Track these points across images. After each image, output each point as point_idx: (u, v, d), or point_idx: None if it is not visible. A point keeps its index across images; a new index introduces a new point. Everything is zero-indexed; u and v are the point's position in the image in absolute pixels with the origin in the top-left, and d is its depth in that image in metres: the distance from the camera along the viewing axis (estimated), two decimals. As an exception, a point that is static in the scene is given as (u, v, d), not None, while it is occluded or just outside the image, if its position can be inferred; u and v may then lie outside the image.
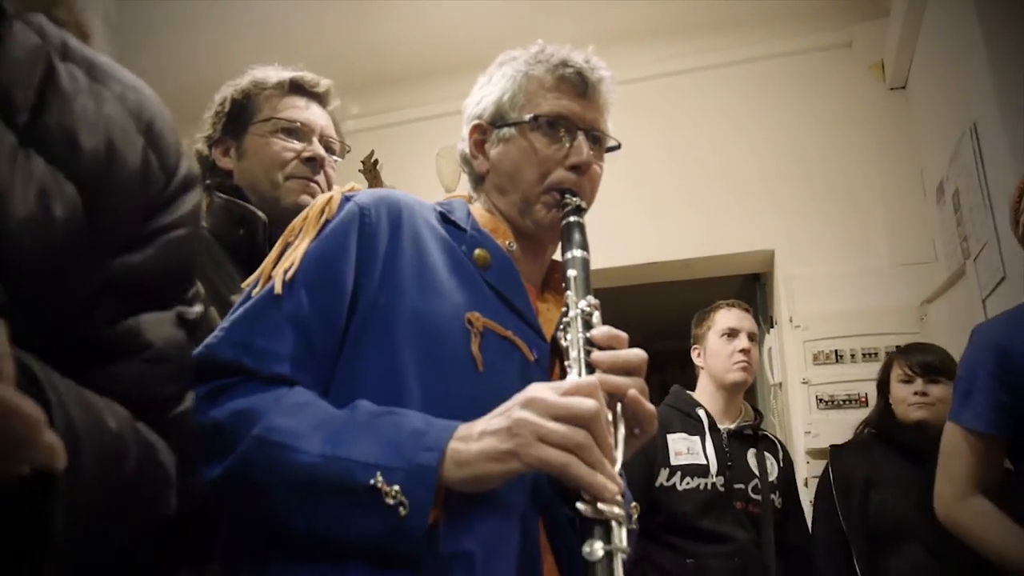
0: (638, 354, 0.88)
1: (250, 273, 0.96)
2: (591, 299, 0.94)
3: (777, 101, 3.83)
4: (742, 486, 2.25)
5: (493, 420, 0.78)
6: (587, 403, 0.76)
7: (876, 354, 3.27)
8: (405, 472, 0.75)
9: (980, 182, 2.61)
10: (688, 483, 2.20)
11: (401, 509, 0.74)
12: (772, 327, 3.85)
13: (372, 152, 3.79)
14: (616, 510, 0.74)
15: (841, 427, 2.98)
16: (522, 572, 0.83)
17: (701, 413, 2.33)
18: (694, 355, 2.51)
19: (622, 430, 0.83)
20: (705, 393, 2.42)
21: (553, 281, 1.10)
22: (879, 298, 3.36)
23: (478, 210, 1.09)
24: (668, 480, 2.21)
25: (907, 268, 3.39)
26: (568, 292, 0.95)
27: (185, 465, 0.74)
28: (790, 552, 2.31)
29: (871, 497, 2.39)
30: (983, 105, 2.57)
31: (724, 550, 2.14)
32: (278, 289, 0.88)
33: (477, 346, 0.90)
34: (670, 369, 6.45)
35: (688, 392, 2.45)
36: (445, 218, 1.03)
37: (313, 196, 1.39)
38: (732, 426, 2.34)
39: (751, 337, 2.43)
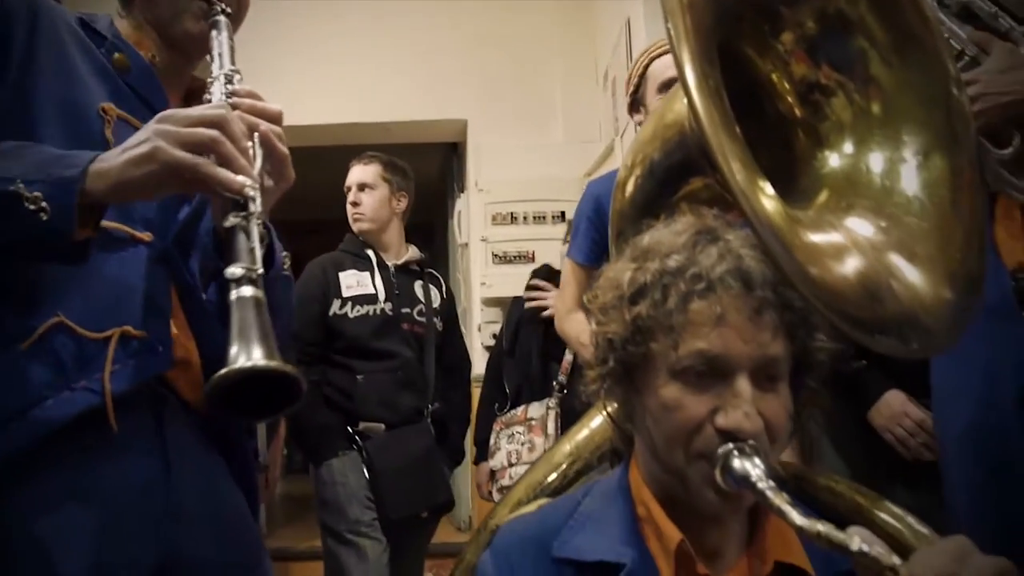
0: (276, 107, 1.01)
1: None
2: (234, 67, 1.06)
3: (479, -19, 4.07)
4: (408, 310, 2.59)
5: (133, 138, 0.87)
6: (216, 109, 0.90)
7: (544, 217, 3.77)
8: (46, 183, 0.81)
9: (628, 69, 3.06)
10: (359, 311, 2.50)
11: (43, 214, 0.81)
12: (463, 192, 4.22)
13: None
14: (248, 191, 0.87)
15: (511, 279, 3.42)
16: (150, 321, 0.97)
17: (369, 252, 2.62)
18: None
19: (259, 159, 0.95)
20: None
21: (196, 99, 1.17)
22: (552, 169, 3.82)
23: (123, 24, 1.16)
24: (340, 309, 2.50)
25: (577, 145, 3.88)
26: (212, 62, 1.07)
27: None
28: (449, 368, 2.75)
29: (521, 331, 2.89)
30: (634, 2, 2.99)
31: (389, 365, 2.49)
32: None
33: (111, 132, 1.00)
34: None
35: (358, 236, 2.69)
36: (85, 25, 1.09)
37: None
38: (399, 262, 2.65)
39: (360, 187, 2.65)
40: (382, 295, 2.53)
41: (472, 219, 3.90)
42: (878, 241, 0.94)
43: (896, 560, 0.57)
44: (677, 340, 0.76)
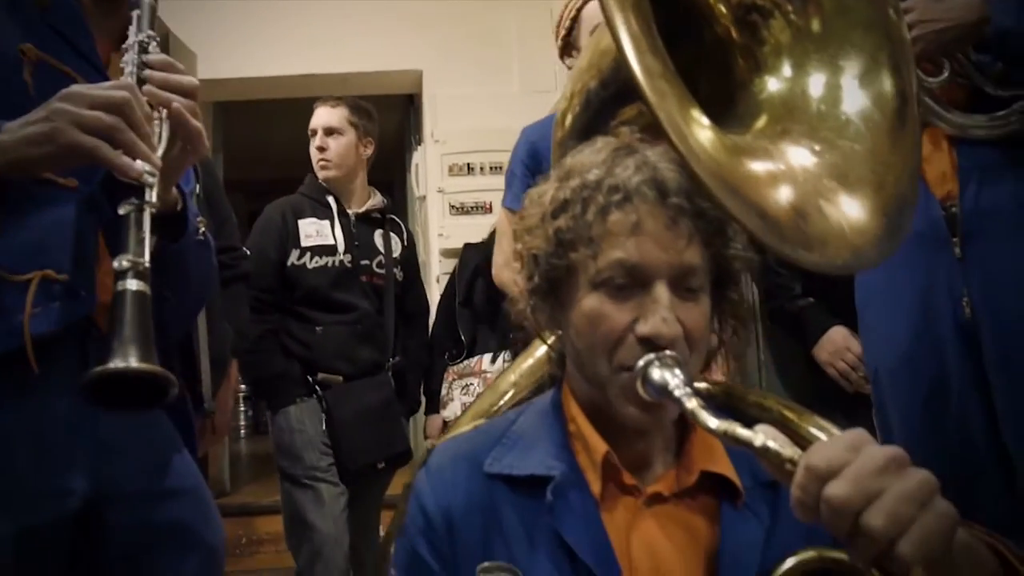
0: (190, 80, 1.00)
1: None
2: (151, 32, 1.03)
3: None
4: (367, 262, 2.55)
5: (34, 113, 0.87)
6: (118, 92, 0.88)
7: (501, 168, 3.73)
8: None
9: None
10: (317, 261, 2.46)
11: None
12: (420, 144, 4.18)
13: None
14: (147, 178, 0.87)
15: (469, 230, 3.40)
16: (73, 266, 0.96)
17: (330, 199, 2.56)
18: None
19: (166, 133, 0.95)
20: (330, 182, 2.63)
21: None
22: (508, 119, 3.77)
23: None
24: (299, 260, 2.45)
25: (533, 95, 3.85)
26: (131, 27, 1.03)
27: None
28: (410, 317, 2.74)
29: (477, 280, 2.88)
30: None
31: (348, 318, 2.46)
32: None
33: (29, 74, 0.97)
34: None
35: (320, 182, 2.63)
36: None
37: None
38: (360, 210, 2.60)
39: (327, 132, 2.58)
40: (342, 246, 2.49)
41: (429, 170, 3.87)
42: (811, 163, 0.95)
43: (796, 453, 0.59)
44: (596, 251, 0.77)
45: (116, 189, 1.01)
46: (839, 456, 0.56)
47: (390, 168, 6.18)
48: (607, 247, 0.77)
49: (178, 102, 0.96)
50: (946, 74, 1.39)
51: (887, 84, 1.01)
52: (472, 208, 3.75)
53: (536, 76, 3.89)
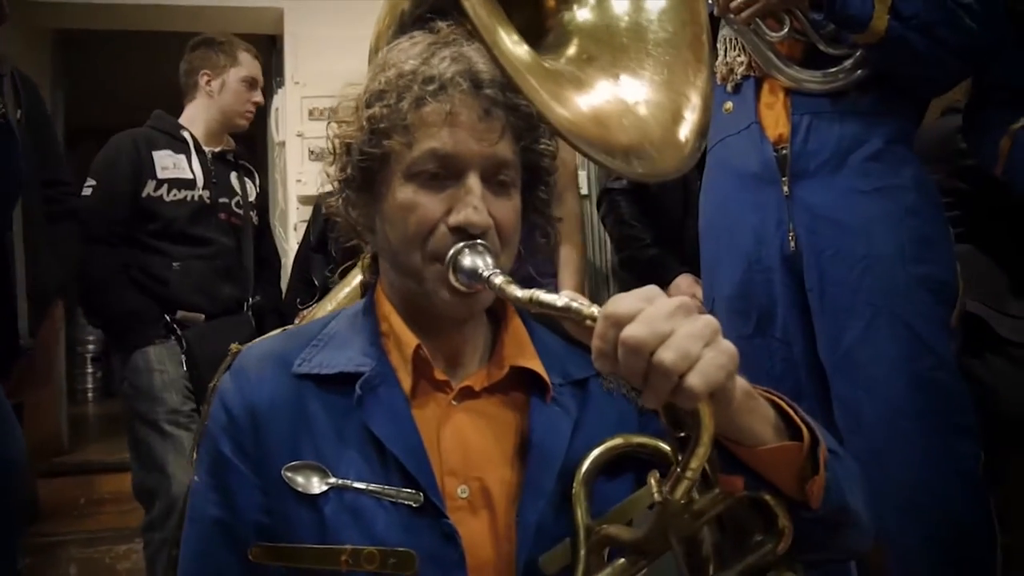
0: None
1: None
2: None
3: None
4: (226, 200, 2.50)
5: None
6: None
7: (365, 113, 3.66)
8: None
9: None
10: (175, 195, 2.37)
11: None
12: (281, 88, 4.02)
13: None
14: None
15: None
16: None
17: (186, 135, 2.47)
18: (203, 80, 2.54)
19: None
20: (198, 120, 2.52)
21: None
22: (372, 64, 3.70)
23: None
24: (155, 191, 2.35)
25: (401, 39, 3.77)
26: None
27: None
28: (265, 262, 2.71)
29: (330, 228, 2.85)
30: None
31: (206, 252, 2.39)
32: None
33: None
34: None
35: (172, 117, 2.52)
36: None
37: None
38: (216, 150, 2.54)
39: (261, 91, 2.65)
40: (200, 181, 2.42)
41: (288, 114, 3.74)
42: (614, 86, 0.98)
43: (595, 309, 0.62)
44: (411, 140, 0.78)
45: None
46: (634, 305, 0.60)
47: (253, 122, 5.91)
48: (421, 137, 0.77)
49: None
50: (786, 30, 1.48)
51: (682, 22, 1.04)
52: (332, 154, 3.65)
53: (403, 20, 3.80)
